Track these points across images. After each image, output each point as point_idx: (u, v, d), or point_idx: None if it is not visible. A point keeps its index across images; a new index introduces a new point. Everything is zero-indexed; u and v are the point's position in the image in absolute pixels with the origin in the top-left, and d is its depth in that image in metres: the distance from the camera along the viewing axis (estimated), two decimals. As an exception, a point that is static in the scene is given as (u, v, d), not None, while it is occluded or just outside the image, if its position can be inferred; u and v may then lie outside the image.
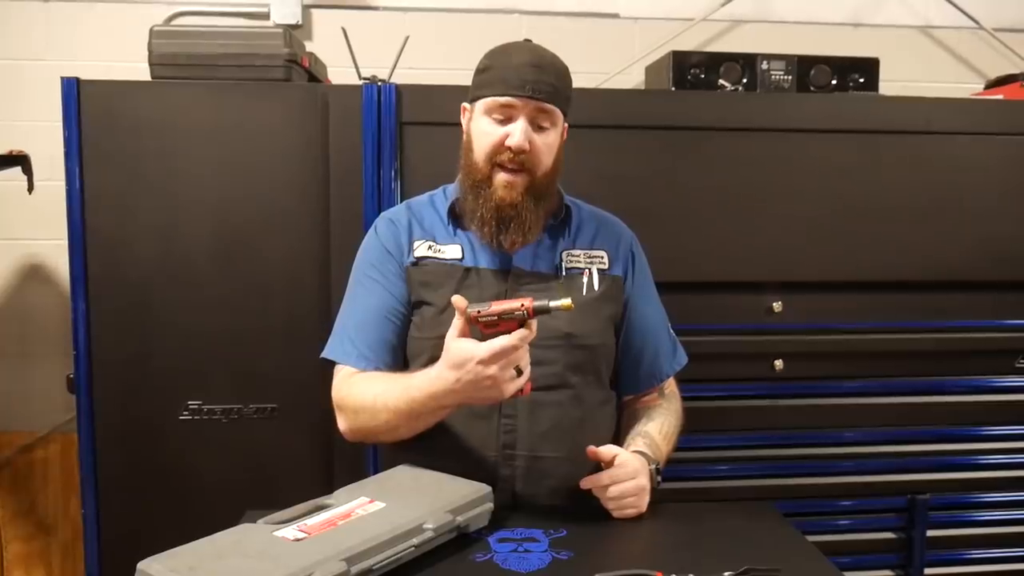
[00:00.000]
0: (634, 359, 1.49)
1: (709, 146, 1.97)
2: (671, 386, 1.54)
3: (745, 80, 2.09)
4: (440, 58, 2.40)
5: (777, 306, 2.01)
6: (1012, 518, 2.13)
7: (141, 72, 1.87)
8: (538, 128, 1.35)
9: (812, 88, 2.11)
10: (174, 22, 2.43)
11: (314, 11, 2.49)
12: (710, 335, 1.97)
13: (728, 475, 2.04)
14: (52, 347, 2.41)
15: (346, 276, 1.48)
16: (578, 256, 1.45)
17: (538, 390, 1.30)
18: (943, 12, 2.67)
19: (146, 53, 1.85)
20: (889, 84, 2.19)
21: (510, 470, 1.35)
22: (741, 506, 1.46)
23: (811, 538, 1.28)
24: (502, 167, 1.35)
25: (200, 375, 1.85)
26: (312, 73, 2.00)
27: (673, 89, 2.07)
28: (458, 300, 1.19)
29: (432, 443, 1.34)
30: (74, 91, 1.78)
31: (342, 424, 1.39)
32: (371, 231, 1.49)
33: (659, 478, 1.34)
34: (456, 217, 1.45)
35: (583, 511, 1.30)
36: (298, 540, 1.04)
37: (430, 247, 1.43)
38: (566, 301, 1.16)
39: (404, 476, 1.30)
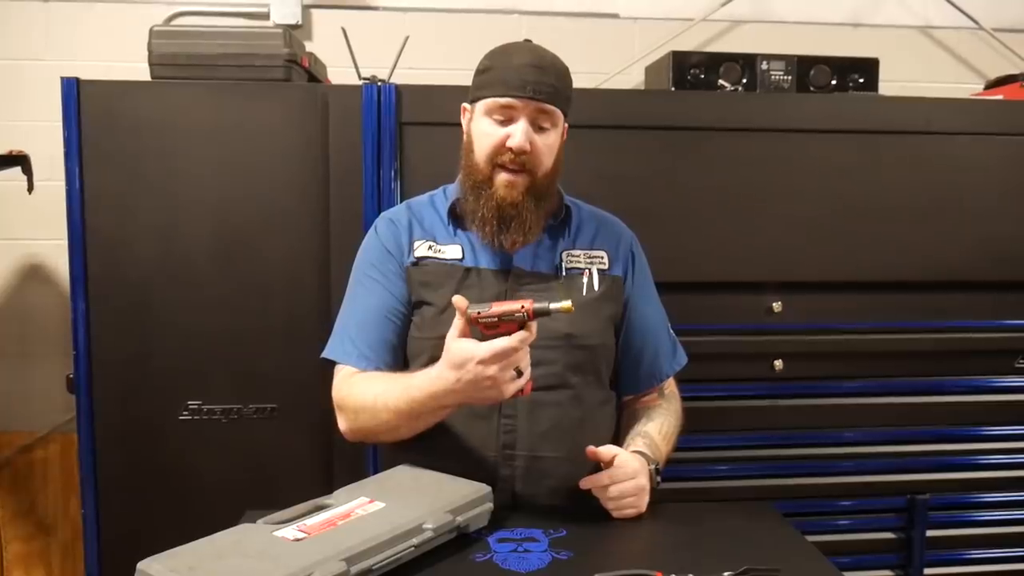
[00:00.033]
0: (634, 359, 1.49)
1: (709, 146, 1.97)
2: (671, 386, 1.54)
3: (745, 80, 2.09)
4: (440, 58, 2.40)
5: (777, 306, 2.01)
6: (1012, 518, 2.13)
7: (141, 72, 1.87)
8: (539, 129, 1.35)
9: (812, 88, 2.11)
10: (174, 22, 2.42)
11: (314, 11, 2.49)
12: (710, 335, 1.97)
13: (728, 475, 2.04)
14: (52, 347, 2.41)
15: (346, 276, 1.48)
16: (578, 256, 1.45)
17: (538, 390, 1.30)
18: (943, 12, 2.67)
19: (146, 53, 1.85)
20: (889, 84, 2.19)
21: (510, 470, 1.35)
22: (741, 506, 1.46)
23: (811, 538, 1.28)
24: (503, 168, 1.35)
25: (200, 375, 1.85)
26: (312, 73, 2.00)
27: (673, 89, 2.07)
28: (459, 300, 1.19)
29: (432, 443, 1.34)
30: (74, 91, 1.78)
31: (342, 424, 1.39)
32: (371, 231, 1.49)
33: (659, 478, 1.34)
34: (456, 217, 1.45)
35: (583, 511, 1.30)
36: (298, 540, 1.04)
37: (430, 247, 1.43)
38: (566, 303, 1.16)
39: (404, 476, 1.30)
